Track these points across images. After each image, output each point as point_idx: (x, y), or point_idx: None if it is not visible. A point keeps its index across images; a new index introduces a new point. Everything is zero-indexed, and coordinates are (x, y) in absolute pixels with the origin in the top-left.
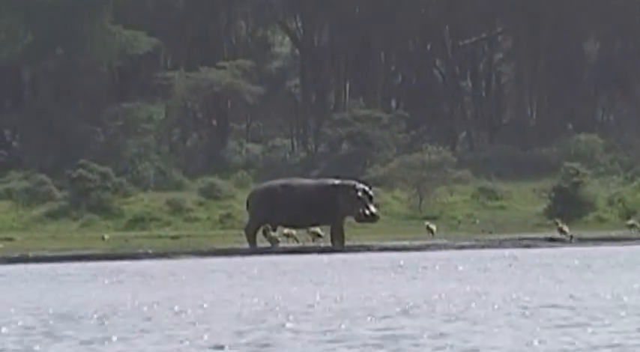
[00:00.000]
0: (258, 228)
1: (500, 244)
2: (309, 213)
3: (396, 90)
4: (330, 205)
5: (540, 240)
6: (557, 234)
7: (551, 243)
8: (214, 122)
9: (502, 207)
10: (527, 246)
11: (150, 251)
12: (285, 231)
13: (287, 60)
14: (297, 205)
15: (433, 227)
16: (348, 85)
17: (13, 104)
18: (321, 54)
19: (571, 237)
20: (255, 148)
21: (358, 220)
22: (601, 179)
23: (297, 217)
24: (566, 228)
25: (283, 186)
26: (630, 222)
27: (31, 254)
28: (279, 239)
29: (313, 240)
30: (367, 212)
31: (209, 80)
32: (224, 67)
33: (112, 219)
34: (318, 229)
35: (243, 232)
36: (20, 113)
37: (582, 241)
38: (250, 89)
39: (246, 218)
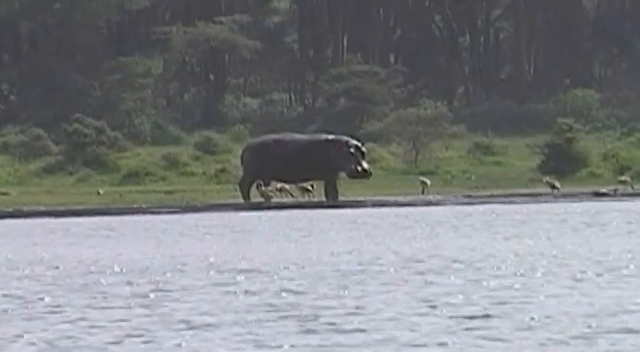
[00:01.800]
0: (251, 183)
1: (490, 200)
2: (302, 168)
3: (394, 46)
4: (322, 160)
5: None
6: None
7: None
8: (212, 76)
9: (498, 163)
10: (513, 202)
11: (144, 205)
12: (279, 185)
13: (285, 15)
14: (290, 160)
15: (427, 181)
16: (345, 40)
17: (12, 59)
18: (319, 9)
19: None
20: (253, 103)
21: (350, 176)
22: (597, 134)
23: (290, 172)
24: (557, 184)
25: (276, 141)
26: (622, 177)
27: (25, 208)
28: (272, 194)
29: (303, 195)
30: (359, 168)
31: (206, 35)
32: (221, 22)
33: (108, 173)
34: (306, 184)
35: (237, 187)
36: (18, 68)
37: (572, 196)
38: (248, 44)
39: (241, 173)
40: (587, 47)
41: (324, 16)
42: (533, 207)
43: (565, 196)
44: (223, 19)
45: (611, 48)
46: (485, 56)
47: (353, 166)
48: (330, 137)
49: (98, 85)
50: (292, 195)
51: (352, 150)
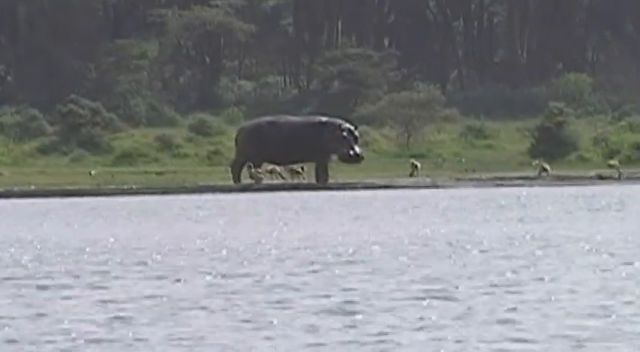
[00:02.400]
0: (243, 165)
1: (480, 184)
2: (295, 150)
3: (388, 30)
4: (315, 142)
5: (515, 178)
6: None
7: (525, 181)
8: (207, 59)
9: (489, 146)
10: (502, 185)
11: (134, 186)
12: (269, 167)
13: None
14: (283, 142)
15: (418, 163)
16: (340, 24)
17: (9, 40)
18: None
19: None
20: (247, 85)
21: (342, 160)
22: (589, 118)
23: (283, 154)
24: (547, 167)
25: (270, 123)
26: (611, 161)
27: (16, 189)
28: (262, 176)
29: (292, 178)
30: (352, 152)
31: (202, 18)
32: (217, 6)
33: (102, 154)
34: (296, 167)
35: (229, 168)
36: (15, 50)
37: (560, 179)
38: (243, 27)
39: (233, 155)
40: (580, 32)
41: (320, 0)
42: (534, 190)
43: (563, 179)
44: (219, 2)
45: (604, 33)
46: (478, 40)
47: (345, 150)
48: (324, 119)
49: (94, 66)
50: (282, 177)
51: (345, 133)
